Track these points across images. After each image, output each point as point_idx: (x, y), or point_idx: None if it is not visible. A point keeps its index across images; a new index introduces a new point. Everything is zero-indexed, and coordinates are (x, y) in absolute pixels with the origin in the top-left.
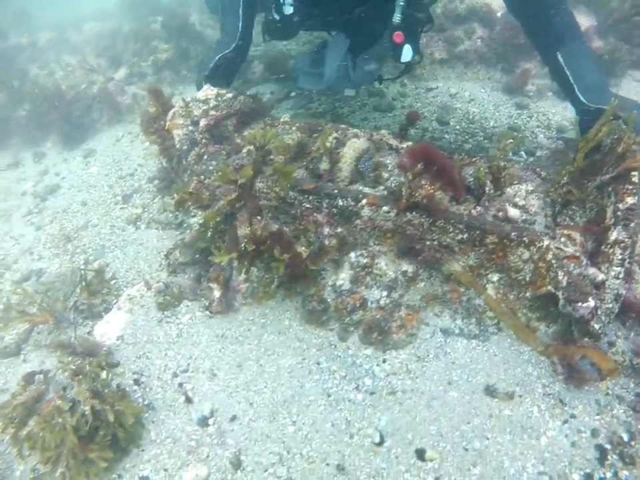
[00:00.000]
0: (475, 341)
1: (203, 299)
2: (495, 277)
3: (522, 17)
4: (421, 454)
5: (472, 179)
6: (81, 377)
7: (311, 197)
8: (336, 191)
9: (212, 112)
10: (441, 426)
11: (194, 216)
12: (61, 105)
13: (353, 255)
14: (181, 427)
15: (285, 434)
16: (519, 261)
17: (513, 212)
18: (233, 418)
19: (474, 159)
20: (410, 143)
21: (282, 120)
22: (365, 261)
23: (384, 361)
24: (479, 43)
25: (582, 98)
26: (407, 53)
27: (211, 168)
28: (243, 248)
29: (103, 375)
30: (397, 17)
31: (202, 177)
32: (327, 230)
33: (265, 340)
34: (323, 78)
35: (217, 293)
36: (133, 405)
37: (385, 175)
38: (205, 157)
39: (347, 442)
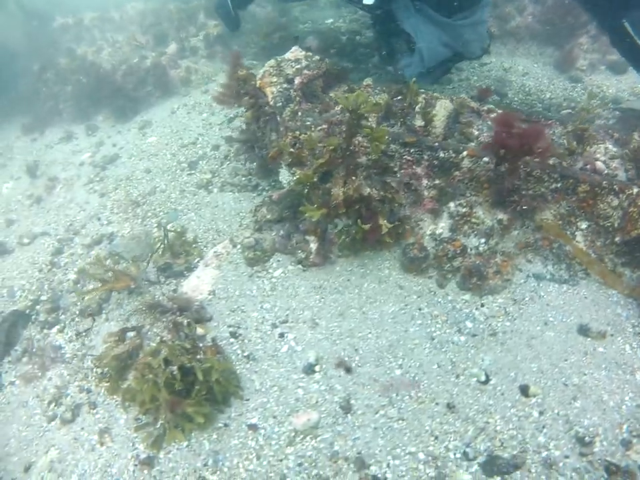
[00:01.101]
0: (566, 285)
1: (299, 252)
2: (584, 225)
3: None
4: (524, 390)
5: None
6: (172, 333)
7: (412, 150)
8: (436, 144)
9: (305, 71)
10: (541, 363)
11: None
12: (114, 79)
13: (452, 204)
14: (286, 376)
15: (392, 377)
16: (608, 208)
17: (599, 165)
18: (339, 364)
19: (550, 122)
20: (491, 106)
21: (364, 83)
22: (463, 210)
23: (482, 305)
24: (530, 20)
25: None
26: None
27: (307, 123)
28: (333, 206)
29: (199, 330)
30: None
31: (297, 132)
32: (425, 182)
33: (365, 288)
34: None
35: (313, 246)
36: (225, 360)
37: (475, 132)
38: (299, 113)
39: (454, 382)
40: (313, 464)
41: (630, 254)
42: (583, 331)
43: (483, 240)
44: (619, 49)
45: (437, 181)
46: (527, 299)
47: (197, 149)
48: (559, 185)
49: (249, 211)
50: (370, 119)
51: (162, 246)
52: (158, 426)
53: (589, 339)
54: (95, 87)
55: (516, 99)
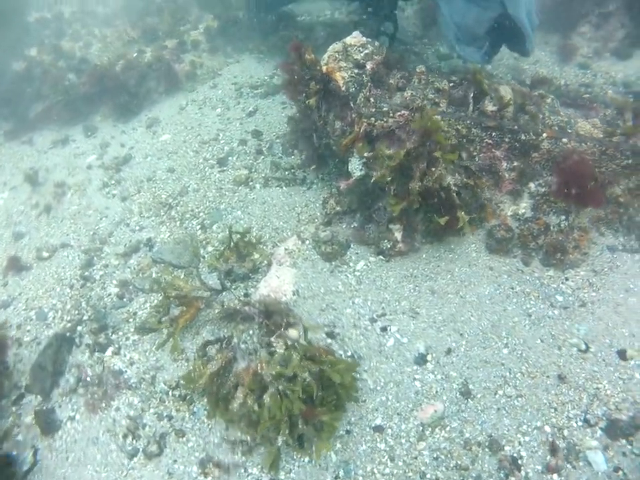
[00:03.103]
0: (637, 254)
1: (384, 241)
2: None
3: None
4: (622, 354)
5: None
6: (280, 340)
7: (493, 134)
8: (516, 127)
9: (375, 57)
10: (630, 328)
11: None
12: (114, 74)
13: (532, 185)
14: (399, 370)
15: (501, 356)
16: None
17: None
18: (449, 351)
19: (594, 105)
20: (542, 92)
21: (418, 70)
22: (543, 189)
23: (566, 279)
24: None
25: None
26: None
27: (385, 109)
28: (414, 199)
29: (294, 334)
30: None
31: (372, 119)
32: (504, 164)
33: (457, 273)
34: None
35: (398, 235)
36: (345, 360)
37: (540, 116)
38: (372, 99)
39: (558, 353)
40: (449, 455)
41: None
42: None
43: (563, 217)
44: None
45: (515, 163)
46: (605, 269)
47: (221, 145)
48: (629, 161)
49: (304, 205)
50: (437, 99)
51: (226, 249)
52: (279, 444)
53: None
54: (92, 84)
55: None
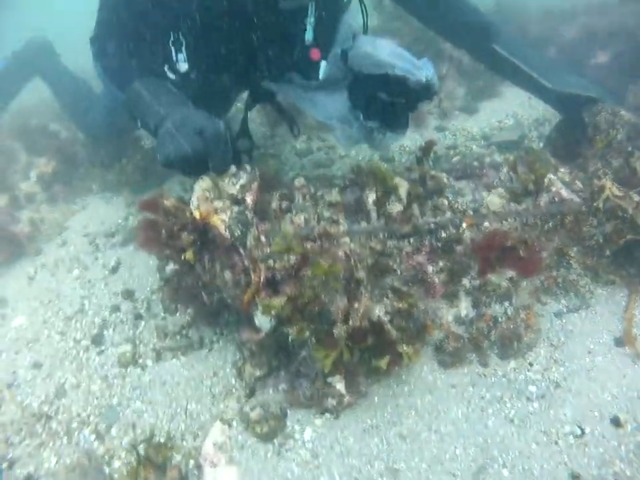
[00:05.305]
0: (582, 310)
1: (327, 399)
2: (573, 251)
3: (436, 21)
4: (616, 422)
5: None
6: None
7: (411, 240)
8: (432, 225)
9: (253, 185)
10: (610, 389)
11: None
12: None
13: (465, 281)
14: None
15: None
16: (591, 229)
17: (564, 192)
18: None
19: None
20: (432, 172)
21: (298, 184)
22: (477, 282)
23: (531, 365)
24: None
25: (546, 84)
26: (324, 70)
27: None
28: (342, 348)
29: None
30: (309, 35)
31: (270, 261)
32: (430, 268)
33: (421, 405)
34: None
35: (341, 387)
36: None
37: (446, 202)
38: (263, 238)
39: (558, 450)
40: None
41: (617, 262)
42: (618, 342)
43: (506, 302)
44: (498, 71)
45: (441, 264)
46: (562, 338)
47: (91, 317)
48: (549, 224)
49: (212, 375)
50: (335, 216)
51: (139, 467)
52: None
53: (627, 348)
54: None
55: (403, 160)
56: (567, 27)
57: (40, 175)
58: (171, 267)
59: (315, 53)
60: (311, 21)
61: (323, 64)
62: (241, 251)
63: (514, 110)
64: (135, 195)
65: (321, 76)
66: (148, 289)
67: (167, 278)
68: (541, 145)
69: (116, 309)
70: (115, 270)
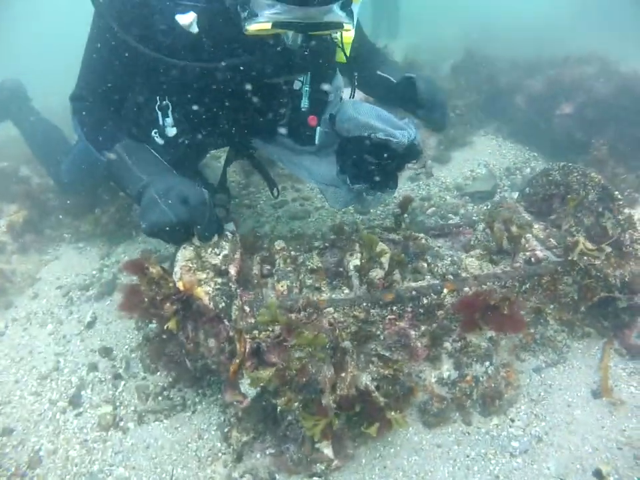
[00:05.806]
0: (559, 365)
1: (316, 464)
2: (550, 308)
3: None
4: (599, 474)
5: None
6: None
7: (394, 307)
8: (414, 292)
9: (236, 255)
10: (590, 442)
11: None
12: None
13: (447, 344)
14: None
15: None
16: (566, 287)
17: (539, 253)
18: None
19: (460, 228)
20: (408, 232)
21: (277, 247)
22: (459, 344)
23: (512, 421)
24: None
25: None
26: (320, 135)
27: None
28: (331, 417)
29: None
30: (305, 103)
31: (255, 332)
32: (413, 333)
33: (408, 466)
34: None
35: (329, 453)
36: None
37: (425, 265)
38: (247, 308)
39: None
40: None
41: (592, 315)
42: (596, 394)
43: (487, 362)
44: (376, 96)
45: (423, 328)
46: (541, 393)
47: (67, 376)
48: (527, 285)
49: (197, 438)
50: (317, 284)
51: None
52: None
53: (604, 399)
54: None
55: (379, 211)
56: (532, 80)
57: (10, 224)
58: (153, 325)
59: (312, 120)
60: (306, 89)
61: (319, 130)
62: (226, 322)
63: (485, 159)
64: (110, 245)
65: (316, 141)
66: (126, 346)
67: (148, 337)
68: (514, 195)
69: (93, 367)
70: (90, 325)
